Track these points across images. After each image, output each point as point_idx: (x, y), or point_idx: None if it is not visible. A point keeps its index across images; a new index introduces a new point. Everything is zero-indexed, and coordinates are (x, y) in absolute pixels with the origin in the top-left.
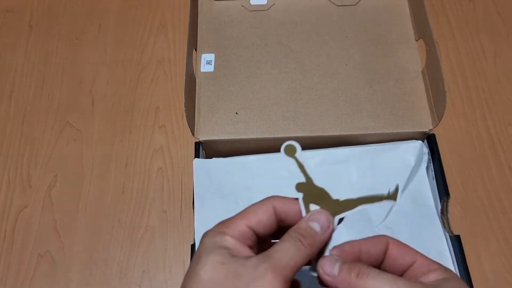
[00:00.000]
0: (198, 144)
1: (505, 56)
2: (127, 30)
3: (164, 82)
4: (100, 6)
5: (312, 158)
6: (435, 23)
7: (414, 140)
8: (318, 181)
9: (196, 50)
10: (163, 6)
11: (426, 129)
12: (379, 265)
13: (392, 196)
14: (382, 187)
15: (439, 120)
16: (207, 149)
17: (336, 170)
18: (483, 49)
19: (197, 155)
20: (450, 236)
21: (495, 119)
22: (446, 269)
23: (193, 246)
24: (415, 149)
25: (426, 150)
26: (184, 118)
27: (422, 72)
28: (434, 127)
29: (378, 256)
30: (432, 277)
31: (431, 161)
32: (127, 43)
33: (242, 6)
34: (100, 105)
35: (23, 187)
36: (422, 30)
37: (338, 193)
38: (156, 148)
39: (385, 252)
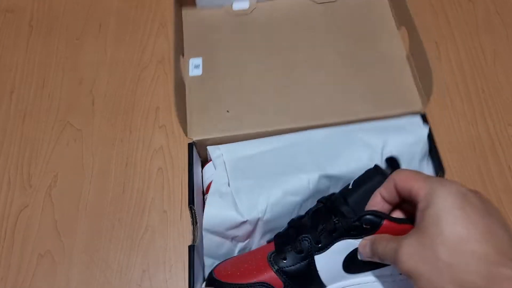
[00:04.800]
0: (191, 145)
1: (504, 56)
2: (127, 30)
3: (164, 82)
4: (100, 6)
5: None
6: (434, 23)
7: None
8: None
9: (183, 55)
10: (163, 6)
11: (417, 109)
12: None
13: None
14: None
15: (428, 99)
16: (201, 150)
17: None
18: (482, 49)
19: (190, 156)
20: None
21: (494, 119)
22: (426, 196)
23: (190, 247)
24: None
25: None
26: None
27: (407, 57)
28: (425, 108)
29: (395, 197)
30: (419, 212)
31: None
32: (127, 43)
33: (225, 12)
34: (100, 105)
35: (24, 187)
36: (403, 17)
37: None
38: (156, 148)
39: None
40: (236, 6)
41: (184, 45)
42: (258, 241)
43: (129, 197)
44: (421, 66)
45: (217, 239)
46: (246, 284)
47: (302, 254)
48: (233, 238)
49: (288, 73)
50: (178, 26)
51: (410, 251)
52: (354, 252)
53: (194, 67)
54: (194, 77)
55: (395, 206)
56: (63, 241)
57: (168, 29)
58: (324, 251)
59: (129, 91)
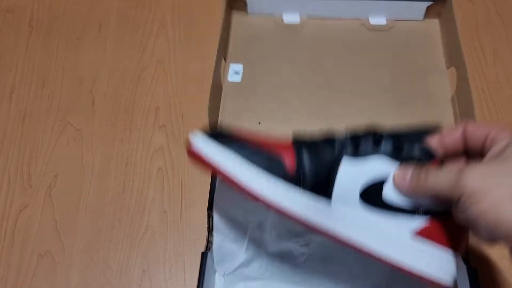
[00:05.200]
0: None
1: (504, 56)
2: (127, 30)
3: (164, 82)
4: (100, 6)
5: None
6: None
7: None
8: None
9: (225, 59)
10: (163, 6)
11: None
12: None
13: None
14: None
15: None
16: None
17: None
18: (482, 49)
19: None
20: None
21: (494, 119)
22: None
23: (203, 254)
24: None
25: None
26: (184, 118)
27: (452, 99)
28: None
29: (457, 144)
30: (499, 146)
31: None
32: (127, 43)
33: (275, 23)
34: (100, 105)
35: (24, 187)
36: (454, 58)
37: None
38: (156, 148)
39: (464, 136)
40: (287, 19)
41: (228, 49)
42: (272, 219)
43: (129, 197)
44: (465, 110)
45: (226, 216)
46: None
47: (333, 147)
48: (245, 217)
49: (328, 96)
50: (225, 29)
51: (479, 172)
52: (381, 182)
53: (234, 72)
54: (232, 83)
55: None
56: (63, 241)
57: (168, 29)
58: (357, 158)
59: (129, 91)
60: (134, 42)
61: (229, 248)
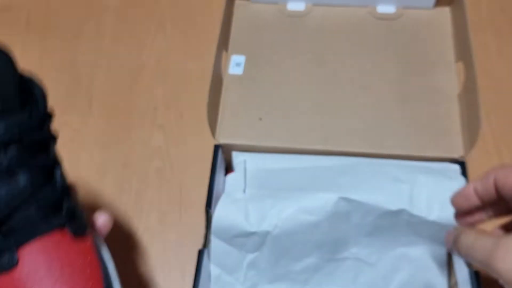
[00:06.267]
0: (217, 147)
1: (509, 54)
2: (125, 29)
3: (163, 82)
4: (98, 4)
5: None
6: None
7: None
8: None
9: (226, 51)
10: (162, 5)
11: (456, 155)
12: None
13: None
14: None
15: (471, 147)
16: (226, 153)
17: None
18: (487, 47)
19: (215, 158)
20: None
21: (499, 117)
22: None
23: (200, 252)
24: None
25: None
26: (184, 117)
27: (458, 95)
28: (465, 154)
29: (491, 194)
30: None
31: None
32: (126, 42)
33: (279, 10)
34: (98, 105)
35: None
36: (463, 52)
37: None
38: (155, 148)
39: (496, 187)
40: (291, 6)
41: (230, 40)
42: (268, 257)
43: (127, 198)
44: (470, 110)
45: (224, 245)
46: None
47: None
48: (241, 248)
49: (330, 89)
50: (226, 19)
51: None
52: None
53: (236, 64)
54: (233, 76)
55: (488, 204)
56: None
57: (167, 28)
58: None
59: (127, 91)
60: (132, 41)
61: (226, 281)
